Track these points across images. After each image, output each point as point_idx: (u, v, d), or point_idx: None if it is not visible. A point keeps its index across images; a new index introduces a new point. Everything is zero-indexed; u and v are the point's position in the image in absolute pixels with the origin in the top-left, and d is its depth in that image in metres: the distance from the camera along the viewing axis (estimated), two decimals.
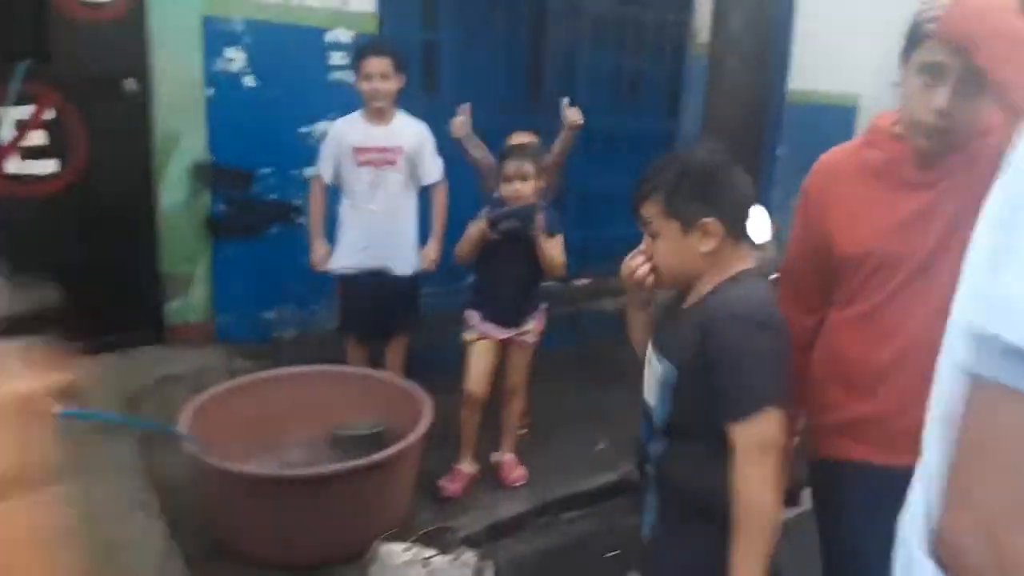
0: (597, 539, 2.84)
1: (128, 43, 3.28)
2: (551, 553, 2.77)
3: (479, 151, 3.18)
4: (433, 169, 3.24)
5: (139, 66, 3.30)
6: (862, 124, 6.54)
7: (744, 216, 1.50)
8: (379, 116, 3.13)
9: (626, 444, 3.33)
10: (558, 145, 3.15)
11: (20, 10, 3.09)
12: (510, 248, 2.84)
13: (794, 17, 5.94)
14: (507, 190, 2.83)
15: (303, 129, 3.69)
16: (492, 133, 3.32)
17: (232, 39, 3.44)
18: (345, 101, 3.67)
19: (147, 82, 3.32)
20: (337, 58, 3.72)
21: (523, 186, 2.81)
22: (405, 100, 3.78)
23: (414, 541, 2.15)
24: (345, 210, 3.21)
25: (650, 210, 1.52)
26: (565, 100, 3.15)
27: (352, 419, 2.85)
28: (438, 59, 4.16)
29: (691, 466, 1.49)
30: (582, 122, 3.11)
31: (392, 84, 3.08)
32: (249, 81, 3.51)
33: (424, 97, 4.07)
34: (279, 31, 3.54)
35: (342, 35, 3.72)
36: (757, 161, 6.11)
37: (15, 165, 3.13)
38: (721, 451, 1.39)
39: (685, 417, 1.49)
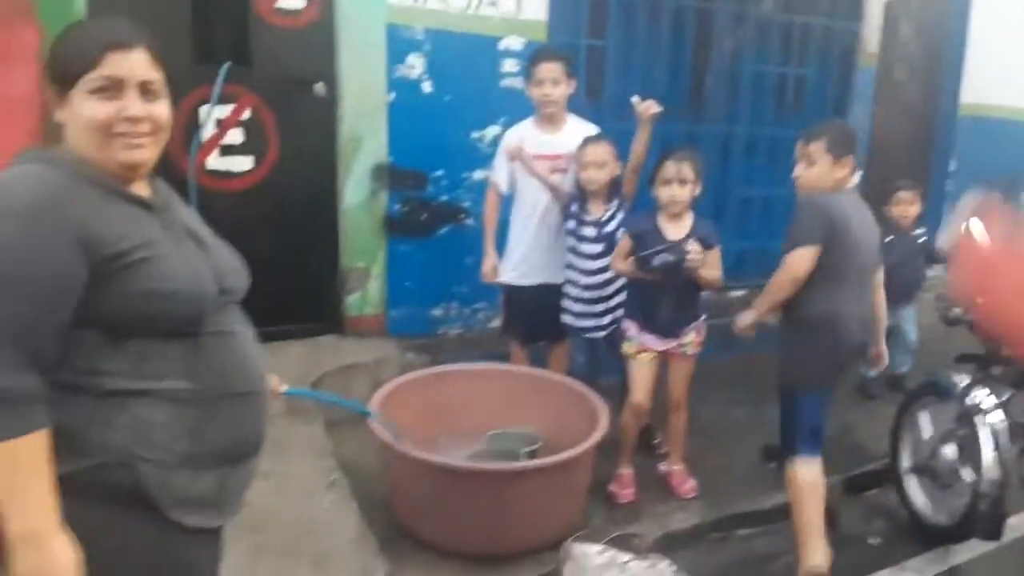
0: (775, 560, 2.71)
1: (319, 49, 3.46)
2: (728, 569, 2.67)
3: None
4: None
5: (328, 70, 3.48)
6: None
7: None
8: (550, 122, 3.11)
9: None
10: (637, 144, 2.98)
11: (224, 17, 3.32)
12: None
13: (968, 28, 5.61)
14: (664, 193, 2.75)
15: (475, 134, 3.78)
16: (652, 139, 3.28)
17: (413, 46, 3.57)
18: (516, 107, 3.73)
19: (335, 86, 3.49)
20: (509, 65, 3.79)
21: (680, 191, 2.74)
22: (571, 106, 3.82)
23: (606, 544, 2.11)
24: (515, 219, 3.23)
25: (817, 146, 2.51)
26: (635, 98, 3.01)
27: (522, 419, 2.86)
28: (603, 66, 4.16)
29: None
30: (658, 110, 2.94)
31: (562, 89, 3.06)
32: (427, 87, 3.63)
33: (589, 104, 4.10)
34: (456, 39, 3.65)
35: (514, 43, 3.79)
36: (926, 173, 5.81)
37: (215, 161, 3.35)
38: None
39: None
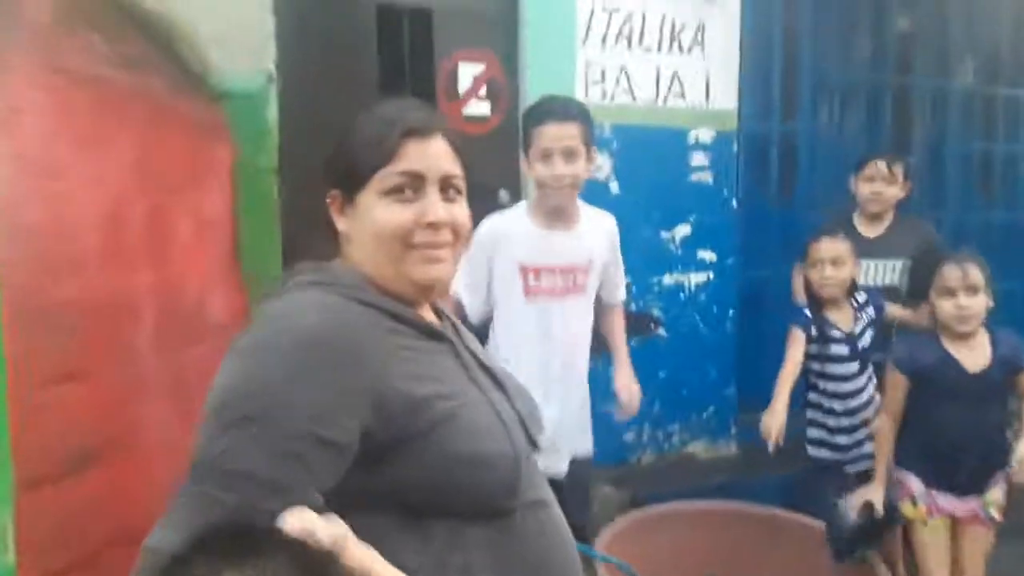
0: None
1: (503, 154, 3.25)
2: None
3: None
4: (621, 283, 2.36)
5: (513, 176, 3.26)
6: None
7: None
8: (558, 217, 2.07)
9: None
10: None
11: None
12: (976, 388, 2.20)
13: None
14: (946, 308, 2.21)
15: (664, 234, 3.46)
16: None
17: (600, 144, 3.29)
18: (706, 202, 3.43)
19: (519, 192, 3.26)
20: (698, 158, 3.49)
21: (971, 302, 2.17)
22: (761, 200, 3.50)
23: None
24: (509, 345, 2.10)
25: None
26: None
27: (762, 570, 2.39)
28: (796, 154, 3.80)
29: None
30: None
31: (582, 166, 1.99)
32: (614, 188, 3.36)
33: (781, 198, 3.75)
34: (643, 134, 3.38)
35: (704, 134, 3.49)
36: None
37: None
38: None
39: None
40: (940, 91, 4.08)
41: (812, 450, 2.60)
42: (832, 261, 2.49)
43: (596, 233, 2.16)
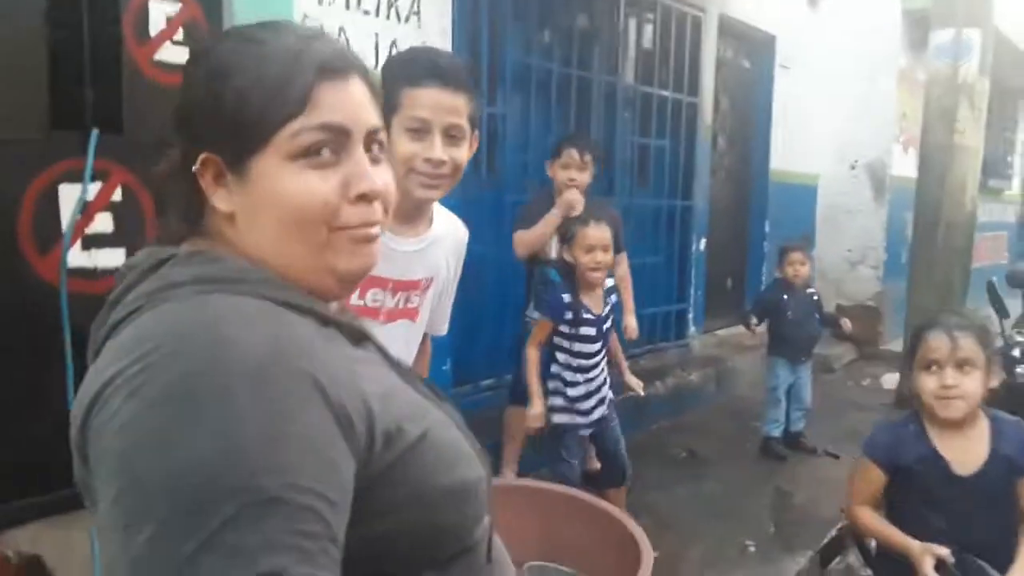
0: None
1: None
2: None
3: None
4: (448, 312, 1.74)
5: None
6: (821, 202, 6.90)
7: None
8: (412, 215, 1.48)
9: (775, 540, 3.09)
10: None
11: (89, 70, 2.57)
12: (966, 494, 1.73)
13: (772, 102, 6.18)
14: (929, 385, 1.74)
15: None
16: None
17: None
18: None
19: None
20: None
21: (962, 379, 1.72)
22: (471, 179, 3.51)
23: None
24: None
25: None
26: None
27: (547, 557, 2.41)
28: (501, 135, 3.90)
29: None
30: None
31: (463, 151, 1.43)
32: None
33: (488, 177, 3.82)
34: None
35: None
36: (746, 235, 6.24)
37: (76, 256, 2.54)
38: None
39: None
40: (611, 86, 4.50)
41: (556, 416, 2.71)
42: (603, 247, 2.58)
43: (446, 243, 1.58)
